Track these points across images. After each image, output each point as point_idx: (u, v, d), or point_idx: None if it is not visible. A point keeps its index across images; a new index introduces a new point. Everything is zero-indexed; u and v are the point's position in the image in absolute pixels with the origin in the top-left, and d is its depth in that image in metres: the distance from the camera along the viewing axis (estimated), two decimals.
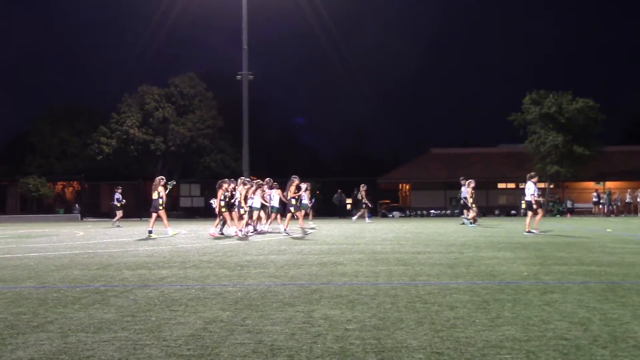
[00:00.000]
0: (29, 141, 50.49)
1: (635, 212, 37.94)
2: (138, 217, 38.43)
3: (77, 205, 45.00)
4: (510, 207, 42.37)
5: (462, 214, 24.18)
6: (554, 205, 40.33)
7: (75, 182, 50.37)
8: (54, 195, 49.14)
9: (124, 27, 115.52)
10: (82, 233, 20.54)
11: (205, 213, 41.06)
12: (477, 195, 22.34)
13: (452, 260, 9.30)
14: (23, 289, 6.91)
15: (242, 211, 16.61)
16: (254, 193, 17.21)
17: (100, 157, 46.63)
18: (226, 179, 17.63)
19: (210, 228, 18.18)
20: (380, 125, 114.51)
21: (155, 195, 16.92)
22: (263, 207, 18.44)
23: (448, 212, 42.13)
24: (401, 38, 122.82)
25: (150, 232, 16.66)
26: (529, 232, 15.95)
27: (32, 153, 50.19)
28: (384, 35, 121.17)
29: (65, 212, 44.82)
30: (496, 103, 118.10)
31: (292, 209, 17.24)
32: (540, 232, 16.43)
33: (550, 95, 39.94)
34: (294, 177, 17.50)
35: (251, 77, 36.32)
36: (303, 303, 5.67)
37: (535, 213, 16.60)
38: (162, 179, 17.25)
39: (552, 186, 41.97)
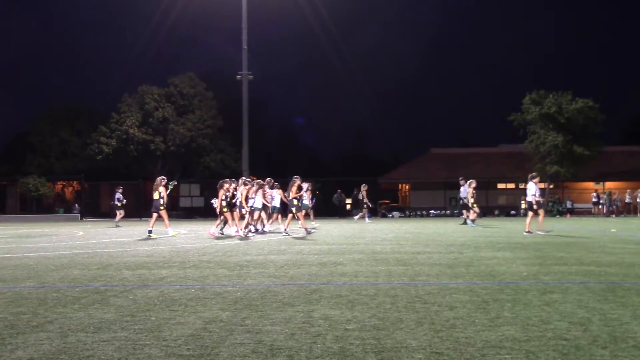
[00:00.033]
0: (29, 141, 50.49)
1: (635, 212, 37.95)
2: (138, 217, 38.43)
3: (76, 205, 45.01)
4: (510, 207, 42.39)
5: (462, 214, 24.17)
6: (554, 205, 40.33)
7: (75, 182, 50.37)
8: (54, 195, 49.15)
9: (124, 27, 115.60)
10: (81, 233, 20.54)
11: (205, 213, 41.06)
12: (477, 195, 22.32)
13: (451, 261, 9.30)
14: (23, 289, 6.91)
15: (243, 211, 16.62)
16: (255, 193, 17.20)
17: (100, 157, 46.64)
18: (227, 179, 17.63)
19: (211, 227, 18.19)
20: (380, 125, 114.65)
21: (156, 196, 16.92)
22: (264, 207, 18.44)
23: (448, 212, 42.14)
24: (401, 38, 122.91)
25: (150, 232, 16.66)
26: (529, 232, 15.95)
27: (32, 153, 50.21)
28: (384, 35, 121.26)
29: (65, 212, 44.84)
30: (496, 103, 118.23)
31: (293, 209, 17.21)
32: (546, 232, 16.40)
33: (550, 96, 39.98)
34: (296, 178, 17.48)
35: (251, 77, 36.33)
36: (303, 303, 5.67)
37: (535, 213, 16.59)
38: (164, 179, 17.25)
39: (551, 186, 41.99)
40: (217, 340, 4.28)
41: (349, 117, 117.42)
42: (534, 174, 17.38)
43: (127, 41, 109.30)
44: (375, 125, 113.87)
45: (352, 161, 67.86)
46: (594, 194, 40.12)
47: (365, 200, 28.14)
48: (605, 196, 39.11)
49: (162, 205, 16.85)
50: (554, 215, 38.26)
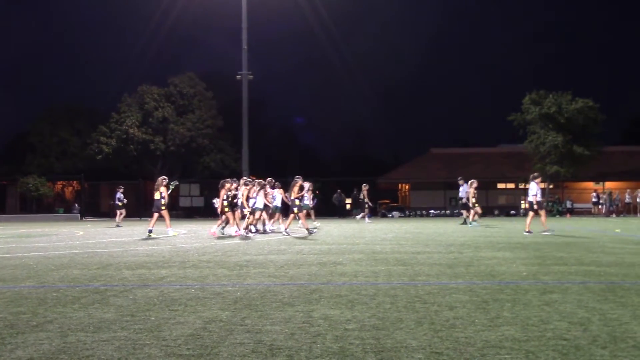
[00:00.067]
0: (29, 141, 50.49)
1: (635, 212, 37.95)
2: (138, 217, 38.42)
3: (76, 205, 45.01)
4: (510, 207, 42.38)
5: (462, 214, 24.16)
6: (554, 205, 40.34)
7: (75, 182, 50.37)
8: (54, 194, 49.16)
9: (124, 27, 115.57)
10: (81, 233, 20.54)
11: (205, 213, 41.08)
12: (477, 195, 22.31)
13: (451, 260, 9.30)
14: (22, 289, 6.92)
15: (245, 211, 16.63)
16: (257, 193, 17.22)
17: (100, 156, 46.64)
18: (229, 179, 17.64)
19: (212, 227, 18.19)
20: (380, 125, 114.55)
21: (157, 195, 16.92)
22: (265, 207, 18.46)
23: (448, 212, 42.13)
24: (401, 38, 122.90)
25: (150, 231, 16.67)
26: (529, 232, 15.96)
27: (32, 153, 50.20)
28: (384, 35, 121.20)
29: (64, 212, 44.84)
30: (496, 103, 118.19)
31: (295, 209, 17.17)
32: (551, 231, 16.37)
33: (550, 96, 39.97)
34: (298, 178, 17.45)
35: (251, 76, 36.33)
36: (302, 303, 5.67)
37: (536, 214, 16.58)
38: (165, 179, 17.26)
39: (551, 186, 41.99)
40: (217, 340, 4.28)
41: (349, 117, 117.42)
42: (535, 174, 17.38)
43: (127, 41, 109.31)
44: (375, 125, 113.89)
45: (352, 161, 67.84)
46: (594, 194, 40.13)
47: (367, 200, 28.16)
48: (605, 196, 39.11)
49: (164, 205, 16.85)
50: (554, 215, 38.25)
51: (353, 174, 48.41)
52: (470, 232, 18.05)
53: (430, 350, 3.95)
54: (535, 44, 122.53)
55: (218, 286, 6.88)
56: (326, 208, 40.91)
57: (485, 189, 40.28)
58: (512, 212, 41.10)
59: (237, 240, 14.85)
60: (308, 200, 19.69)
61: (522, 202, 44.68)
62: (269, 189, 18.97)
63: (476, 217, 22.36)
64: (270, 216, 19.52)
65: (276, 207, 19.52)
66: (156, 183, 17.21)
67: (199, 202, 43.80)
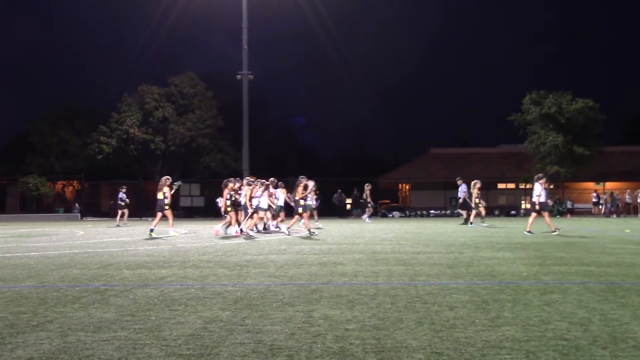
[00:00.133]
0: (29, 141, 50.48)
1: (635, 213, 37.94)
2: (138, 217, 38.42)
3: (77, 205, 44.99)
4: (510, 207, 42.37)
5: (462, 214, 24.15)
6: (554, 205, 40.34)
7: (75, 182, 50.36)
8: (54, 194, 49.14)
9: (124, 27, 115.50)
10: (82, 232, 20.55)
11: (206, 213, 41.08)
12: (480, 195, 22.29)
13: (451, 261, 9.30)
14: (23, 288, 6.92)
15: (249, 211, 16.65)
16: (261, 193, 17.25)
17: (100, 156, 46.65)
18: (231, 178, 17.66)
19: (216, 225, 18.20)
20: (380, 125, 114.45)
21: (160, 195, 16.93)
22: (269, 207, 18.49)
23: (448, 212, 42.12)
24: (401, 38, 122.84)
25: (151, 230, 16.69)
26: (529, 232, 15.97)
27: (32, 152, 50.19)
28: (384, 35, 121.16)
29: (65, 212, 44.82)
30: (496, 103, 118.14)
31: (299, 209, 17.12)
32: (558, 230, 16.35)
33: (550, 96, 39.97)
34: (302, 178, 17.42)
35: (251, 76, 36.32)
36: (303, 303, 5.67)
37: (539, 214, 16.58)
38: (168, 178, 17.26)
39: (552, 186, 41.98)
40: (217, 340, 4.28)
41: (349, 117, 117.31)
42: (540, 174, 17.37)
43: (127, 41, 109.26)
44: (375, 125, 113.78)
45: (352, 161, 67.82)
46: (594, 194, 40.14)
47: (369, 200, 28.17)
48: (605, 196, 39.12)
49: (167, 205, 16.87)
50: (554, 216, 38.24)
51: (353, 174, 48.40)
52: (471, 232, 18.05)
53: (431, 350, 3.95)
54: (535, 44, 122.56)
55: (218, 286, 6.88)
56: (326, 208, 40.90)
57: (485, 189, 40.24)
58: (513, 212, 41.08)
59: (237, 240, 14.85)
60: (311, 200, 19.65)
61: (523, 202, 44.81)
62: (271, 189, 18.98)
63: (477, 217, 22.35)
64: (274, 216, 19.54)
65: (280, 207, 19.55)
66: (160, 183, 17.22)
67: (199, 202, 43.80)
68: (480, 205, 21.85)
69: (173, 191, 17.34)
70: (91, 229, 23.06)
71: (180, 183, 19.83)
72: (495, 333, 4.39)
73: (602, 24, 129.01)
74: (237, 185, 17.22)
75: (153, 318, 5.06)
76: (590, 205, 40.54)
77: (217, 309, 5.41)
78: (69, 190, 52.66)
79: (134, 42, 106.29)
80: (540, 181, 16.55)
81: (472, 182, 21.84)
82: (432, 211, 42.66)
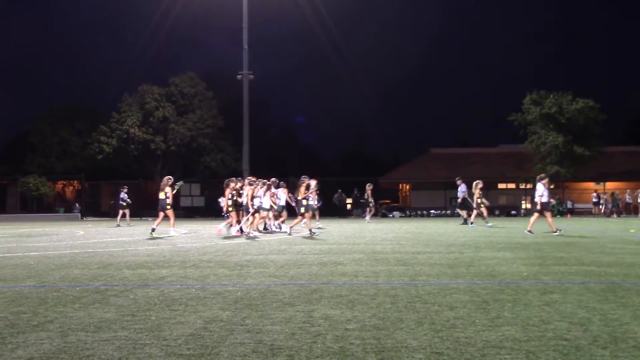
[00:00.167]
0: (29, 141, 50.49)
1: (636, 213, 37.94)
2: (138, 217, 38.43)
3: (77, 205, 45.02)
4: (511, 207, 42.37)
5: (462, 214, 24.13)
6: (554, 205, 40.34)
7: (75, 182, 50.38)
8: (54, 194, 49.15)
9: (124, 27, 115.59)
10: (82, 232, 20.55)
11: (206, 212, 41.10)
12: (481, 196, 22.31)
13: (452, 260, 9.30)
14: (23, 288, 6.92)
15: (250, 211, 16.67)
16: (264, 193, 17.26)
17: (101, 156, 46.67)
18: (233, 178, 17.69)
19: (219, 224, 18.21)
20: (380, 125, 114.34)
21: (162, 195, 16.95)
22: (270, 207, 18.52)
23: (448, 212, 42.13)
24: (401, 37, 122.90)
25: (153, 230, 16.74)
26: (530, 231, 15.98)
27: (32, 152, 50.20)
28: (384, 35, 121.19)
29: (65, 212, 44.83)
30: (496, 103, 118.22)
31: (302, 209, 17.12)
32: (560, 231, 16.36)
33: (551, 96, 39.97)
34: (305, 177, 17.42)
35: (251, 76, 36.31)
36: (303, 303, 5.67)
37: (541, 214, 16.58)
38: (170, 178, 17.27)
39: (552, 186, 41.96)
40: (218, 340, 4.28)
41: (349, 117, 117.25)
42: (542, 174, 17.34)
43: (127, 41, 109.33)
44: (375, 124, 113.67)
45: (352, 161, 67.82)
46: (594, 194, 40.14)
47: (371, 199, 28.19)
48: (605, 196, 39.12)
49: (169, 205, 16.88)
50: (555, 216, 38.19)
51: (353, 174, 48.41)
52: (471, 232, 18.05)
53: (431, 350, 3.95)
54: (535, 44, 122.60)
55: (219, 286, 6.88)
56: (327, 208, 40.91)
57: (485, 189, 40.21)
58: (513, 212, 41.08)
59: (238, 240, 14.85)
60: (313, 200, 19.65)
61: (523, 202, 44.82)
62: (273, 189, 19.00)
63: (479, 218, 22.35)
64: (276, 217, 19.56)
65: (282, 207, 19.58)
66: (162, 183, 17.24)
67: (199, 201, 43.81)
68: (482, 205, 21.86)
69: (175, 191, 17.36)
70: (91, 229, 23.06)
71: (182, 183, 19.84)
72: (495, 333, 4.39)
73: (602, 24, 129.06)
74: (239, 185, 17.23)
75: (153, 318, 5.07)
76: (590, 206, 40.54)
77: (218, 309, 5.41)
78: (69, 190, 52.68)
79: (134, 42, 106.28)
80: (543, 181, 16.55)
81: (474, 183, 21.85)
82: (433, 211, 42.68)
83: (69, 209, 45.59)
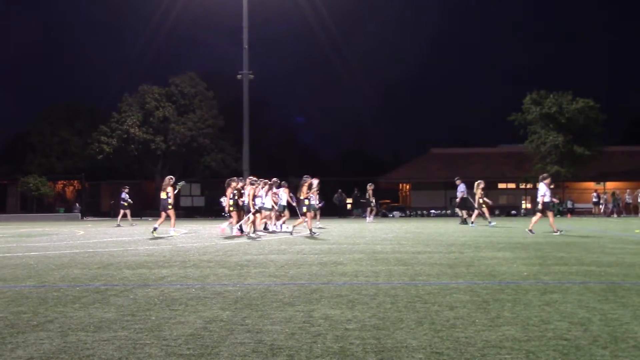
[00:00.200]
0: (29, 141, 50.48)
1: (636, 212, 37.94)
2: (138, 217, 38.42)
3: (77, 205, 45.00)
4: (511, 207, 42.36)
5: (462, 214, 24.12)
6: (554, 205, 40.33)
7: (75, 182, 50.37)
8: (55, 194, 49.14)
9: (124, 27, 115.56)
10: (82, 232, 20.55)
11: (206, 212, 41.09)
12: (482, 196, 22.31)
13: (452, 260, 9.30)
14: (23, 288, 6.92)
15: (252, 211, 16.69)
16: (266, 193, 17.26)
17: (101, 156, 46.66)
18: (235, 177, 17.71)
19: (222, 224, 18.21)
20: (380, 125, 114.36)
21: (164, 195, 16.96)
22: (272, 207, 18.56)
23: (448, 212, 42.12)
24: (401, 37, 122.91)
25: (155, 229, 16.77)
26: (530, 231, 16.00)
27: (32, 152, 50.19)
28: (384, 35, 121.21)
29: (65, 211, 44.81)
30: (496, 103, 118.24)
31: (304, 208, 17.11)
32: (560, 232, 16.36)
33: (551, 96, 39.97)
34: (307, 177, 17.43)
35: (251, 76, 36.30)
36: (303, 303, 5.67)
37: (543, 214, 16.58)
38: (172, 178, 17.29)
39: (552, 186, 41.96)
40: (218, 340, 4.28)
41: (349, 117, 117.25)
42: (545, 174, 17.36)
43: (127, 41, 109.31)
44: (375, 124, 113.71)
45: (352, 161, 67.84)
46: (594, 194, 40.14)
47: (372, 199, 28.22)
48: (605, 196, 39.11)
49: (170, 204, 16.90)
50: (555, 216, 38.21)
51: (353, 174, 48.42)
52: (471, 232, 18.05)
53: (431, 350, 3.95)
54: (535, 44, 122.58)
55: (219, 286, 6.88)
56: (327, 208, 40.89)
57: (486, 189, 40.24)
58: (513, 212, 41.07)
59: (238, 240, 14.85)
60: (314, 200, 19.64)
61: (523, 202, 44.80)
62: (274, 189, 19.02)
63: (480, 217, 22.35)
64: (278, 217, 19.57)
65: (283, 206, 19.60)
66: (164, 183, 17.26)
67: (199, 201, 43.80)
68: (484, 205, 21.86)
69: (176, 191, 17.37)
70: (91, 229, 23.06)
71: (184, 183, 19.84)
72: (495, 333, 4.39)
73: (602, 24, 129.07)
74: (240, 184, 17.24)
75: (153, 318, 5.07)
76: (590, 205, 40.54)
77: (218, 309, 5.41)
78: (69, 190, 52.68)
79: (134, 42, 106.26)
80: (545, 181, 16.56)
81: (476, 183, 21.88)
82: (433, 211, 42.67)
83: (69, 209, 45.58)
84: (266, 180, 18.32)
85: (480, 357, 3.79)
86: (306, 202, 16.96)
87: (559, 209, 39.70)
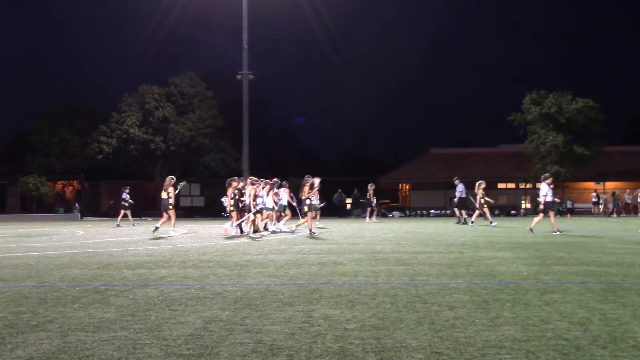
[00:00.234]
0: (29, 141, 50.48)
1: (635, 212, 37.94)
2: (138, 217, 38.41)
3: (77, 205, 44.99)
4: (510, 207, 42.36)
5: (462, 213, 24.12)
6: (554, 205, 40.34)
7: (75, 182, 50.37)
8: (54, 194, 49.13)
9: (124, 27, 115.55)
10: (82, 232, 20.54)
11: (206, 212, 41.09)
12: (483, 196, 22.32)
13: (451, 260, 9.30)
14: (23, 288, 6.92)
15: (252, 211, 16.69)
16: (267, 193, 17.26)
17: (101, 156, 46.66)
18: (235, 177, 17.72)
19: (225, 224, 18.22)
20: (380, 125, 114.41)
21: (164, 195, 16.96)
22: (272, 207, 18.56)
23: (448, 212, 42.11)
24: (401, 38, 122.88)
25: (156, 228, 16.78)
26: (530, 229, 16.02)
27: (32, 152, 50.19)
28: (384, 35, 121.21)
29: (65, 212, 44.80)
30: (496, 103, 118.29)
31: (305, 208, 17.10)
32: (561, 232, 16.36)
33: (551, 95, 39.98)
34: (308, 177, 17.43)
35: (251, 76, 36.28)
36: (303, 303, 5.67)
37: (544, 214, 16.58)
38: (173, 178, 17.29)
39: (552, 186, 41.97)
40: (217, 340, 4.28)
41: (349, 117, 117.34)
42: (546, 174, 17.36)
43: (127, 41, 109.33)
44: (375, 125, 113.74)
45: (352, 161, 67.87)
46: (594, 194, 40.14)
47: (372, 199, 28.24)
48: (605, 196, 39.10)
49: (171, 205, 16.90)
50: (554, 216, 38.21)
51: (353, 174, 48.41)
52: (471, 232, 18.05)
53: (431, 350, 3.95)
54: (535, 44, 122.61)
55: (218, 286, 6.88)
56: (327, 208, 40.87)
57: (486, 189, 40.23)
58: (513, 212, 41.07)
59: (238, 240, 14.85)
60: (315, 200, 19.63)
61: (523, 202, 44.80)
62: (275, 189, 19.02)
63: (480, 217, 22.35)
64: (279, 217, 19.57)
65: (283, 206, 19.61)
66: (165, 183, 17.26)
67: (199, 201, 43.80)
68: (485, 205, 21.87)
69: (177, 191, 17.37)
70: (91, 229, 23.06)
71: (185, 183, 19.84)
72: (495, 333, 4.39)
73: (602, 24, 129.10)
74: (241, 184, 17.25)
75: (153, 318, 5.06)
76: (590, 205, 40.55)
77: (217, 309, 5.41)
78: (69, 190, 52.66)
79: (134, 42, 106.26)
80: (547, 181, 16.57)
81: (477, 182, 21.90)
82: (432, 211, 42.68)
83: (68, 209, 45.57)
84: (267, 181, 18.32)
85: (480, 357, 3.79)
86: (307, 201, 16.96)
87: (559, 209, 39.73)
